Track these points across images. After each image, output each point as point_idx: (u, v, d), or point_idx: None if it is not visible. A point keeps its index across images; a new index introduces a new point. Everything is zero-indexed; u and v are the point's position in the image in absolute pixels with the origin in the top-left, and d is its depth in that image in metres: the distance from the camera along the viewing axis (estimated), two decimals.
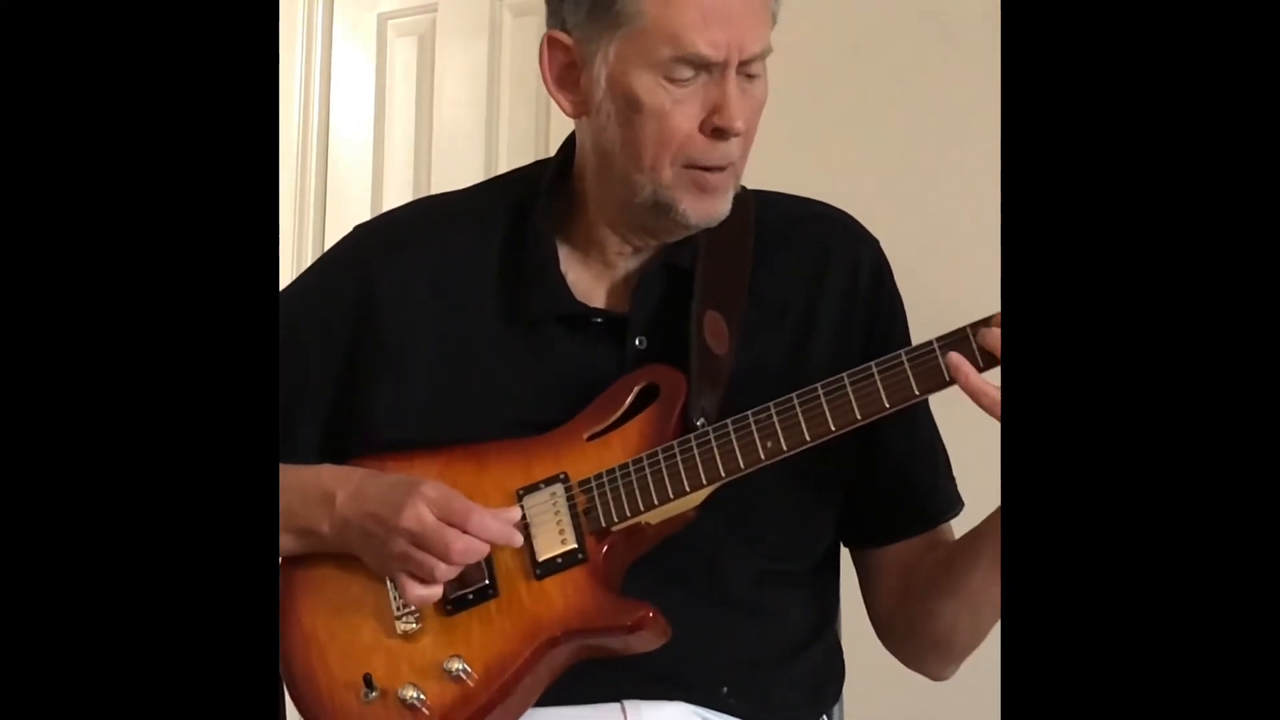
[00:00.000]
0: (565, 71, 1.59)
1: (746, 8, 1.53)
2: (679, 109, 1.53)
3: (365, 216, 3.53)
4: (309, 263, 3.66)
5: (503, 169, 3.40)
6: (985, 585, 1.57)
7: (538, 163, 1.72)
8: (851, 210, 1.73)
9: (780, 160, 2.20)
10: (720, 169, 1.55)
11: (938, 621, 1.64)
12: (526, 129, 3.44)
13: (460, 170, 3.46)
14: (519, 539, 1.54)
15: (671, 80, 1.52)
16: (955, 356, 1.47)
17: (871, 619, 1.71)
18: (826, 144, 2.90)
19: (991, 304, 1.42)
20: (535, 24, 3.37)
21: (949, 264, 2.63)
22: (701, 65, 1.52)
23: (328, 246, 3.43)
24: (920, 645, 1.68)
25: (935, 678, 1.71)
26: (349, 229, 1.77)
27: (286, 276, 1.75)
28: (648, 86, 1.52)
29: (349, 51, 3.92)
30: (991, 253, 1.27)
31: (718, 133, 1.53)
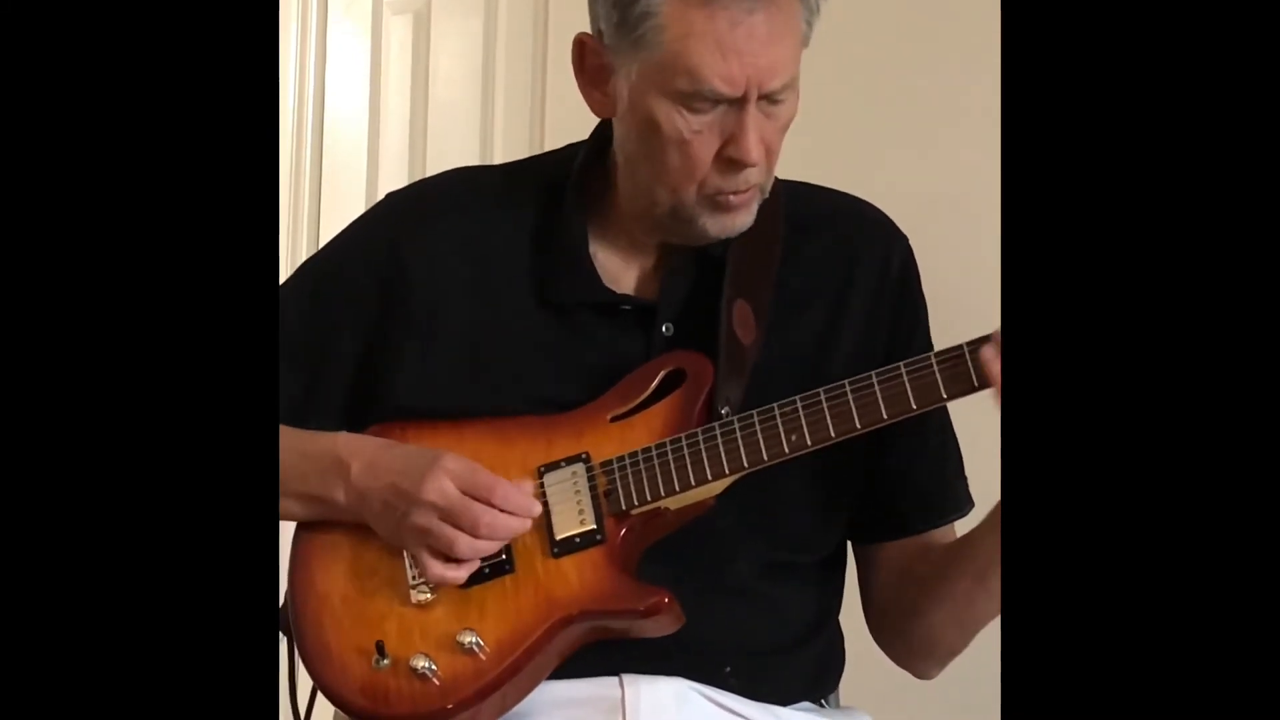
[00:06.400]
0: (597, 72, 1.59)
1: (771, 37, 1.49)
2: (697, 139, 1.52)
3: (361, 194, 3.55)
4: (304, 241, 3.63)
5: (498, 147, 3.42)
6: (969, 598, 1.60)
7: (571, 146, 1.72)
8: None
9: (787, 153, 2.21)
10: (743, 191, 1.55)
11: (922, 624, 1.65)
12: (522, 107, 3.43)
13: (456, 148, 3.46)
14: (538, 509, 1.54)
15: (690, 109, 1.51)
16: (988, 351, 1.47)
17: (865, 614, 1.73)
18: (831, 140, 2.91)
19: (994, 298, 1.43)
20: (530, 2, 3.37)
21: (949, 264, 2.64)
22: (719, 100, 1.51)
23: (323, 225, 3.40)
24: (910, 645, 1.70)
25: (921, 677, 1.73)
26: (344, 207, 1.77)
27: (281, 255, 1.76)
28: (666, 113, 1.52)
29: (344, 29, 3.91)
30: (990, 253, 1.28)
31: (733, 164, 1.53)
